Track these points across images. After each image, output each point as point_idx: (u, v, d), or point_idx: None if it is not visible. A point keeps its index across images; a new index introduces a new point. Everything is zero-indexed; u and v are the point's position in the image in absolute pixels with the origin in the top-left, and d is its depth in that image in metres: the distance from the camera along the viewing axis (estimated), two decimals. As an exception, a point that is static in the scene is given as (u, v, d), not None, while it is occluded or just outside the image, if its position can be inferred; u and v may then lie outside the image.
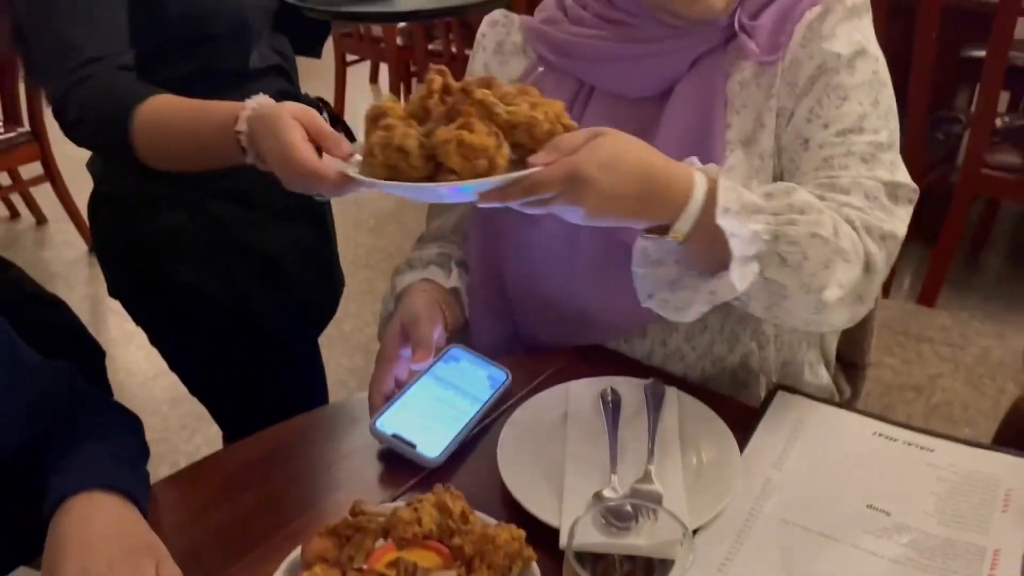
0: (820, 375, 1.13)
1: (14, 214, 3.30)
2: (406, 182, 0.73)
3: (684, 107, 0.92)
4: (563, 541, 0.72)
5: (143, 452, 0.84)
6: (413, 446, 0.84)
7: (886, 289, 2.69)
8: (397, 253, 2.96)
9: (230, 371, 1.23)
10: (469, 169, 0.71)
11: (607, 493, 0.79)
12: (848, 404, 1.22)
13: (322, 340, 1.41)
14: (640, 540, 0.70)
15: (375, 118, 0.76)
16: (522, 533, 0.69)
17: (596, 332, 1.00)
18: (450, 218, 1.09)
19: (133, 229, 1.15)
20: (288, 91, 1.17)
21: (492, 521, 0.72)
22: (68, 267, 2.93)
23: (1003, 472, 0.78)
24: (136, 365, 2.40)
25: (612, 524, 0.72)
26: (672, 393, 0.90)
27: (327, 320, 1.37)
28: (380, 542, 0.69)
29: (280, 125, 0.78)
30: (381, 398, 0.89)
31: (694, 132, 0.91)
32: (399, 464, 0.84)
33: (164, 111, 0.92)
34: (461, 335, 1.06)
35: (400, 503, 0.72)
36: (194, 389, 1.28)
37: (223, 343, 1.20)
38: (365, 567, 0.66)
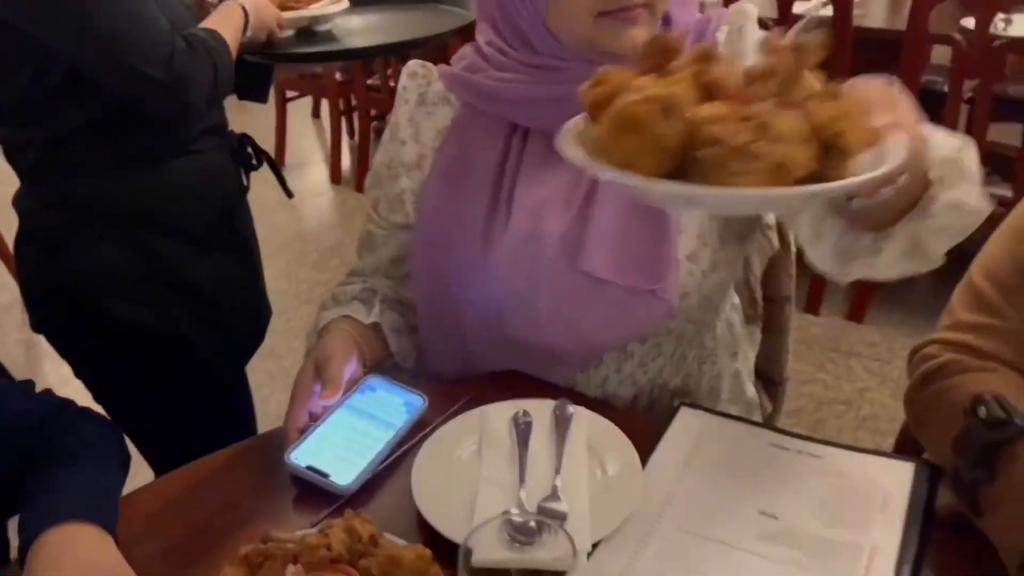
0: (748, 390, 1.18)
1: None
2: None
3: None
4: (474, 559, 0.76)
5: (121, 469, 0.86)
6: (326, 476, 0.87)
7: (816, 307, 2.78)
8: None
9: (160, 404, 1.25)
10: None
11: (514, 511, 0.82)
12: (770, 418, 1.28)
13: (262, 376, 1.44)
14: (542, 554, 0.74)
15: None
16: (428, 552, 0.72)
17: (558, 364, 1.03)
18: (383, 253, 1.12)
19: (62, 266, 1.16)
20: (215, 126, 1.21)
21: (403, 543, 0.75)
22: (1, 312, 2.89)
23: (884, 475, 0.83)
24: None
25: (516, 540, 0.75)
26: (580, 413, 0.94)
27: (254, 349, 1.40)
28: (291, 568, 0.72)
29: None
30: (296, 432, 0.91)
31: None
32: (318, 494, 0.87)
33: None
34: (387, 368, 1.09)
35: (313, 530, 0.75)
36: (122, 423, 1.28)
37: (154, 376, 1.21)
38: (275, 591, 0.68)
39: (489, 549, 0.70)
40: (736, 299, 1.18)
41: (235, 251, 1.29)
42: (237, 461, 0.94)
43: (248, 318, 1.34)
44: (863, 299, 2.73)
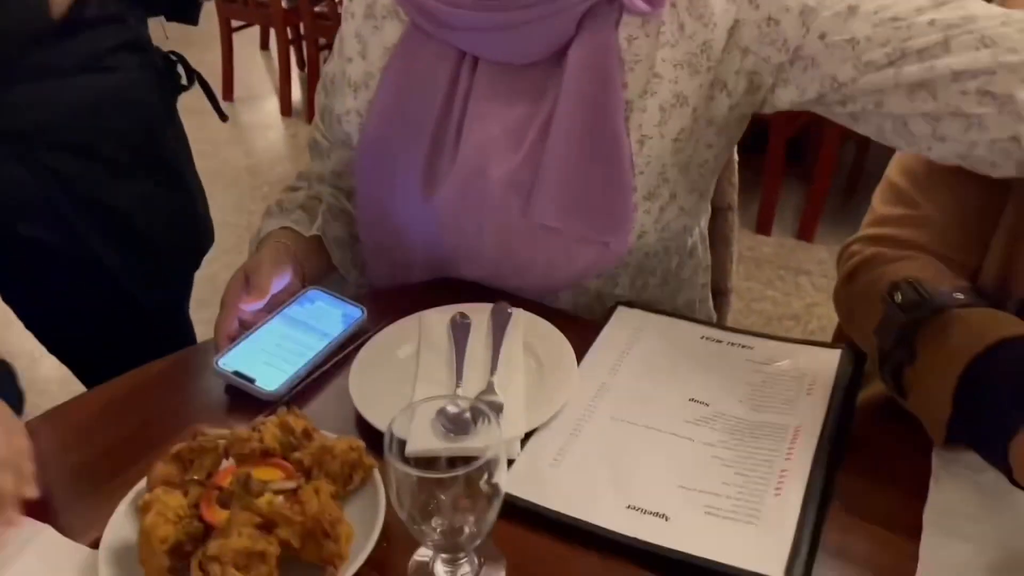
0: (708, 302, 1.20)
1: None
2: None
3: (579, 75, 0.88)
4: (408, 448, 0.77)
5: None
6: (252, 380, 0.87)
7: (768, 227, 2.81)
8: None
9: (87, 331, 1.22)
10: None
11: (449, 406, 0.83)
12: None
13: (215, 310, 1.40)
14: (475, 443, 0.75)
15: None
16: (361, 444, 0.73)
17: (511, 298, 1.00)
18: (328, 165, 1.10)
19: None
20: (133, 42, 1.16)
21: (332, 436, 0.76)
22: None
23: (811, 362, 0.85)
24: (20, 346, 2.33)
25: (450, 431, 0.77)
26: (518, 313, 0.94)
27: (189, 276, 1.36)
28: (224, 463, 0.72)
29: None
30: (225, 340, 0.91)
31: (593, 98, 0.88)
32: (254, 401, 0.87)
33: None
34: (334, 280, 1.09)
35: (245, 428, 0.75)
36: (53, 349, 1.26)
37: (77, 301, 1.19)
38: (206, 483, 0.69)
39: (423, 439, 0.71)
40: (703, 223, 1.16)
41: (161, 175, 1.24)
42: (172, 370, 0.93)
43: (180, 246, 1.30)
44: (812, 219, 2.76)
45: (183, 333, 1.37)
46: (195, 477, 0.69)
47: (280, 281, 0.95)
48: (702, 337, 0.91)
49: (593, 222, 0.91)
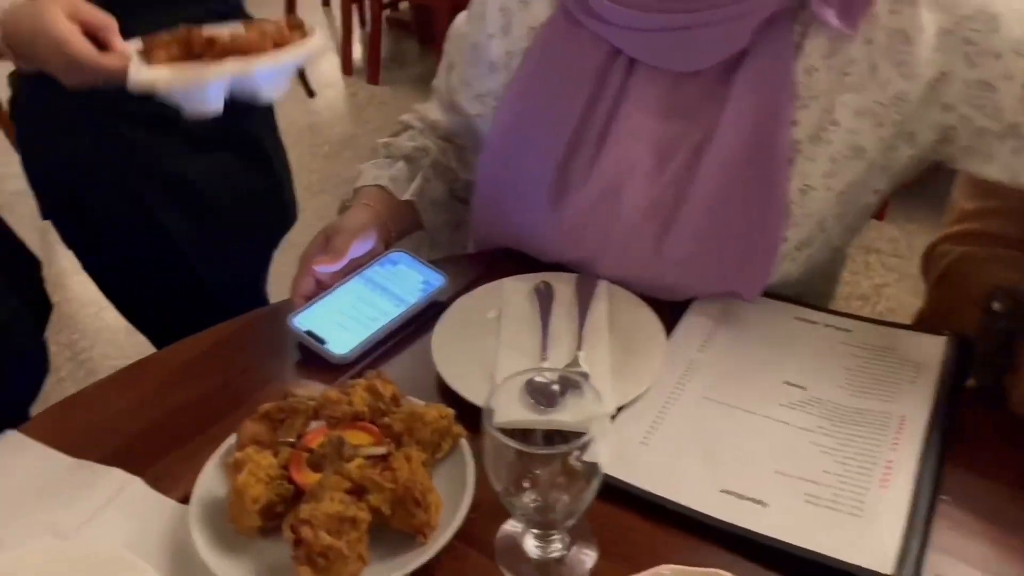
0: None
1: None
2: None
3: (745, 101, 0.78)
4: (496, 420, 0.75)
5: None
6: (323, 342, 0.86)
7: (837, 204, 2.72)
8: (352, 180, 2.93)
9: (158, 304, 1.22)
10: None
11: (538, 377, 0.81)
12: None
13: (279, 266, 1.38)
14: (564, 417, 0.73)
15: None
16: (451, 411, 0.71)
17: None
18: (442, 120, 1.03)
19: (46, 150, 1.10)
20: (224, 12, 1.13)
21: (419, 402, 0.74)
22: (13, 198, 2.87)
23: (913, 348, 0.81)
24: (88, 295, 2.38)
25: (539, 403, 0.75)
26: (603, 286, 0.92)
27: (268, 255, 1.31)
28: (313, 424, 0.71)
29: (46, 21, 0.75)
30: (300, 298, 0.90)
31: (757, 131, 0.78)
32: (324, 364, 0.86)
33: None
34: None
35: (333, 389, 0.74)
36: (127, 315, 1.26)
37: (148, 274, 1.17)
38: (296, 444, 0.68)
39: (512, 410, 0.69)
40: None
41: (243, 151, 1.19)
42: (249, 329, 0.93)
43: (257, 225, 1.25)
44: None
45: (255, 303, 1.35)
46: (287, 439, 0.68)
47: (361, 245, 0.93)
48: (796, 318, 0.87)
49: (726, 271, 0.83)
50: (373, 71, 3.65)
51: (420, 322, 0.91)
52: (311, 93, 1.37)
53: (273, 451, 0.67)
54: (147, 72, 0.78)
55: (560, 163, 0.86)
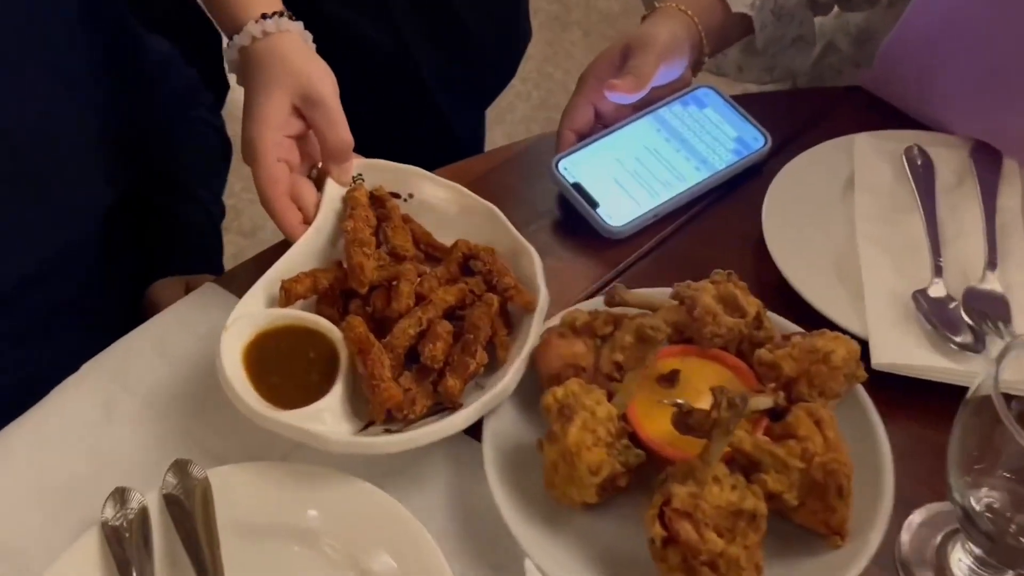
0: None
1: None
2: None
3: None
4: (876, 358, 0.51)
5: None
6: (595, 205, 0.63)
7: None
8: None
9: (381, 126, 1.01)
10: None
11: (930, 292, 0.56)
12: None
13: None
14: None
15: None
16: (857, 348, 0.47)
17: None
18: None
19: None
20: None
21: (791, 326, 0.50)
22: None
23: None
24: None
25: (948, 339, 0.50)
26: (1012, 163, 0.63)
27: (500, 87, 1.09)
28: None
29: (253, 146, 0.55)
30: (572, 134, 0.66)
31: None
32: (590, 233, 0.63)
33: None
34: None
35: (658, 290, 0.50)
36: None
37: (377, 94, 0.96)
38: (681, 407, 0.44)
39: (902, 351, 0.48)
40: None
41: None
42: (507, 166, 0.69)
43: (500, 49, 1.03)
44: None
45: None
46: (676, 400, 0.45)
47: (669, 71, 0.66)
48: None
49: None
50: None
51: (725, 194, 0.65)
52: None
53: (605, 391, 0.44)
54: None
55: None
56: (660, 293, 0.51)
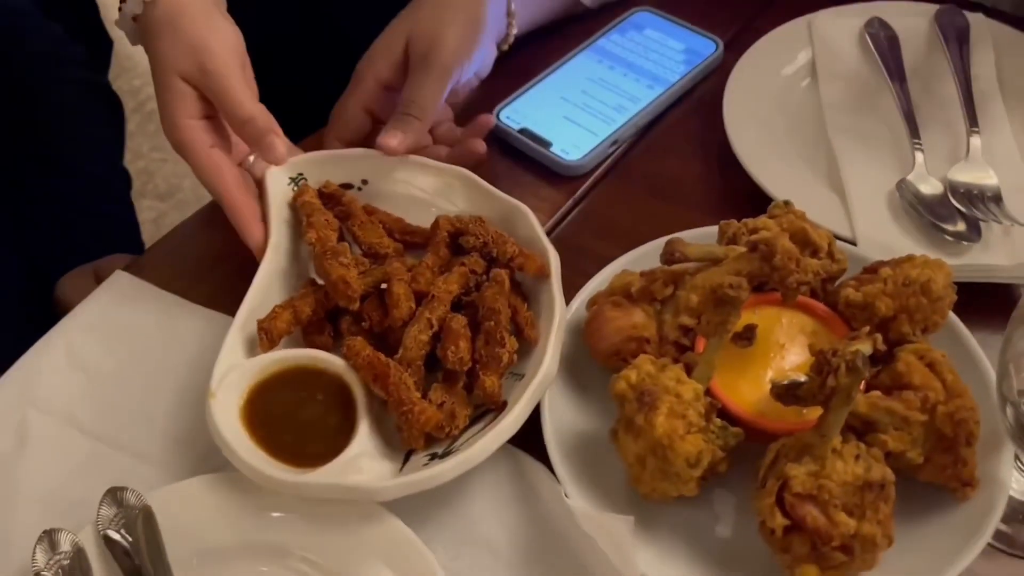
0: None
1: None
2: None
3: None
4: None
5: None
6: (547, 144, 0.57)
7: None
8: None
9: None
10: None
11: (913, 179, 0.51)
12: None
13: None
14: (986, 256, 0.47)
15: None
16: (950, 269, 0.42)
17: None
18: None
19: None
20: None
21: (849, 247, 0.46)
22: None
23: None
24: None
25: (940, 229, 0.48)
26: (981, 24, 0.58)
27: None
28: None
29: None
30: (340, 144, 0.55)
31: None
32: (549, 175, 0.57)
33: None
34: None
35: (703, 231, 0.46)
36: None
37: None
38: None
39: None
40: None
41: None
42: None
43: None
44: None
45: None
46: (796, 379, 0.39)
47: (465, 72, 0.55)
48: None
49: None
50: None
51: (687, 107, 0.60)
52: None
53: (673, 358, 0.40)
54: None
55: None
56: (707, 236, 0.45)
